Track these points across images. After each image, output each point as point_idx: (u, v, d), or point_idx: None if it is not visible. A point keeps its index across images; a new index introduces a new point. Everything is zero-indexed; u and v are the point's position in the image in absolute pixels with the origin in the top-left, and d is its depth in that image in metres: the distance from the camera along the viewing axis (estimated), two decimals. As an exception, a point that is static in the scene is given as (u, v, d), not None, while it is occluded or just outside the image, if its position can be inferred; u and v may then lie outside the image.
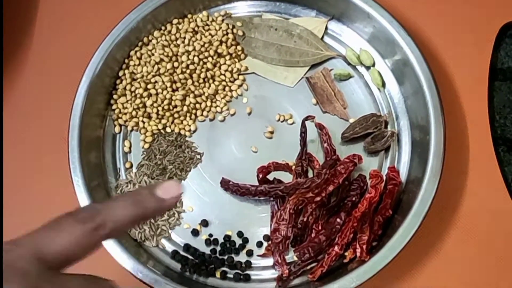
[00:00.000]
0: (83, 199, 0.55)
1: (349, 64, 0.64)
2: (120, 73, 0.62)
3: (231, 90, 0.63)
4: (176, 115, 0.62)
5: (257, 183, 0.59)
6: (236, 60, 0.64)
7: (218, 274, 0.56)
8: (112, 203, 0.39)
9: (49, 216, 0.62)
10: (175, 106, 0.62)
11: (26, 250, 0.35)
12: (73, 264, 0.36)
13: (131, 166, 0.61)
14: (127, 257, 0.54)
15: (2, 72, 0.65)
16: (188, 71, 0.62)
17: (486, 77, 0.64)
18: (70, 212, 0.38)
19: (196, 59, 0.62)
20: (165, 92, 0.62)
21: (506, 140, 0.63)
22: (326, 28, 0.65)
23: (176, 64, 0.62)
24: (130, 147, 0.62)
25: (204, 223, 0.59)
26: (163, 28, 0.64)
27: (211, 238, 0.58)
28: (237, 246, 0.58)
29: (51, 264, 0.35)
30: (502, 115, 0.64)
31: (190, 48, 0.63)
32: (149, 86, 0.62)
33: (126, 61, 0.63)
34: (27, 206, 0.60)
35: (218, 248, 0.58)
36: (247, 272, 0.57)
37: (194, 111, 0.62)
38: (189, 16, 0.65)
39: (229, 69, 0.63)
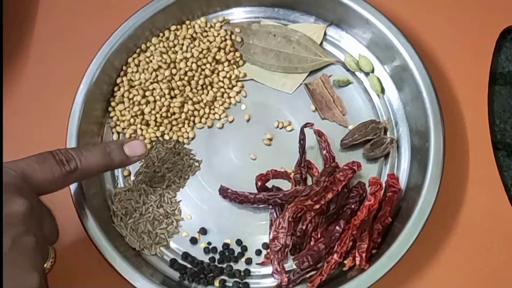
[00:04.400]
0: (81, 208, 0.55)
1: (348, 70, 0.64)
2: (118, 80, 0.62)
3: (229, 97, 0.63)
4: (174, 122, 0.62)
5: (255, 191, 0.59)
6: (235, 66, 0.64)
7: (217, 283, 0.56)
8: (86, 152, 0.48)
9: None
10: (173, 113, 0.62)
11: (18, 174, 0.43)
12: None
13: (129, 174, 0.61)
14: (125, 266, 0.53)
15: (2, 78, 0.65)
16: (186, 78, 0.62)
17: (486, 82, 0.64)
18: (51, 152, 0.46)
19: (194, 66, 0.62)
20: (163, 99, 0.61)
21: (506, 145, 0.63)
22: (325, 34, 0.65)
23: (174, 71, 0.62)
24: (128, 155, 0.61)
25: (203, 231, 0.58)
26: (161, 34, 0.64)
27: (210, 246, 0.58)
28: (236, 254, 0.57)
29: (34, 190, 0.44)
30: (502, 119, 0.64)
31: (188, 55, 0.62)
32: (147, 93, 0.61)
33: (124, 68, 0.62)
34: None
35: (217, 257, 0.57)
36: (246, 280, 0.56)
37: (192, 118, 0.62)
38: (187, 22, 0.65)
39: (228, 75, 0.63)
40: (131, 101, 0.61)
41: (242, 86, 0.64)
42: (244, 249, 0.58)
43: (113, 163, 0.50)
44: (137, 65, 0.62)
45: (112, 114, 0.62)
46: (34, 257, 0.41)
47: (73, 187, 0.56)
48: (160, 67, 0.62)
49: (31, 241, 0.40)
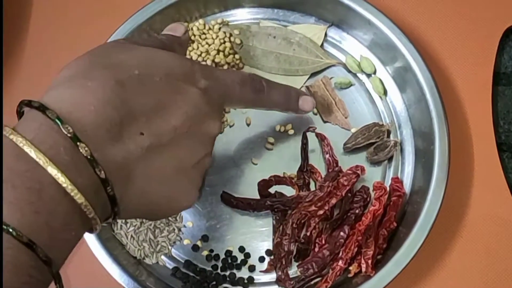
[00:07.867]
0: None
1: (349, 72, 0.62)
2: (116, 85, 0.61)
3: (229, 101, 0.62)
4: (174, 128, 0.60)
5: (258, 196, 0.58)
6: (235, 69, 0.63)
7: (220, 291, 0.55)
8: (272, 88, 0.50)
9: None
10: (173, 119, 0.60)
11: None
12: None
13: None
14: (126, 276, 0.53)
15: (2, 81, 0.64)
16: (185, 82, 0.61)
17: (490, 82, 0.63)
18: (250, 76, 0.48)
19: (193, 70, 0.61)
20: (162, 104, 0.60)
21: (511, 146, 0.62)
22: (326, 35, 0.63)
23: (172, 75, 0.61)
24: (127, 161, 0.60)
25: (205, 239, 0.57)
26: (158, 37, 0.63)
27: (212, 254, 0.57)
28: (238, 261, 0.56)
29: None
30: (506, 120, 0.63)
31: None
32: (146, 98, 0.60)
33: (122, 72, 0.61)
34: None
35: (220, 264, 0.56)
36: (250, 288, 0.56)
37: (192, 123, 0.61)
38: (185, 24, 0.63)
39: (227, 79, 0.62)
40: (129, 107, 0.60)
41: (242, 90, 0.62)
42: (247, 256, 0.57)
43: (289, 107, 0.52)
44: (135, 70, 0.61)
45: (110, 120, 0.60)
46: (202, 178, 0.43)
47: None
48: (158, 71, 0.61)
49: (208, 162, 0.43)
